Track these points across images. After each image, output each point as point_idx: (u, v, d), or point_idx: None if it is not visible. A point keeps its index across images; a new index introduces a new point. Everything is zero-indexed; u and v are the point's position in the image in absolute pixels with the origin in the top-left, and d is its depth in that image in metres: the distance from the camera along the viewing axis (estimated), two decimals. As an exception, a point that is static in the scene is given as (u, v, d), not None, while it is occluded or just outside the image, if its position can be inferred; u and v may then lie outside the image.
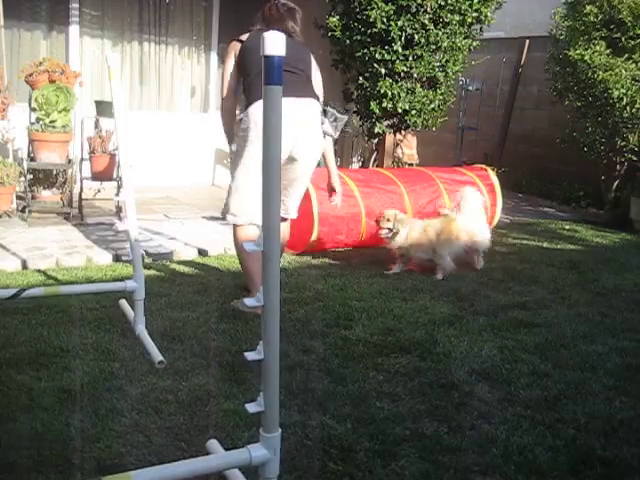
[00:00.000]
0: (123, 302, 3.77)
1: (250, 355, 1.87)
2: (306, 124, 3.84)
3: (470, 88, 9.55)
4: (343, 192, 5.32)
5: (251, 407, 1.91)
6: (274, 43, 1.67)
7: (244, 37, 3.94)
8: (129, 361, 3.12)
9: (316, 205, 5.13)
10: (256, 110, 3.69)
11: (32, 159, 5.96)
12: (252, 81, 3.78)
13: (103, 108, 6.17)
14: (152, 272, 4.63)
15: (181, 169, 8.09)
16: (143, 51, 8.07)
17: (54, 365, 3.01)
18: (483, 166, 6.57)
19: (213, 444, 2.37)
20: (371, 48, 6.88)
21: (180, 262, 4.94)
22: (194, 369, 3.08)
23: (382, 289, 4.45)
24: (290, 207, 4.10)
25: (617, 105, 7.16)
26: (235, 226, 3.97)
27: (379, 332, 3.67)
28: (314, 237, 5.20)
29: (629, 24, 7.12)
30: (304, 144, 3.83)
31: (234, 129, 3.98)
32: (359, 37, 6.94)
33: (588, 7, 7.31)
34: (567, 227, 7.26)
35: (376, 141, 7.80)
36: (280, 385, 2.98)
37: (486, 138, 9.94)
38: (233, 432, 2.53)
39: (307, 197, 5.20)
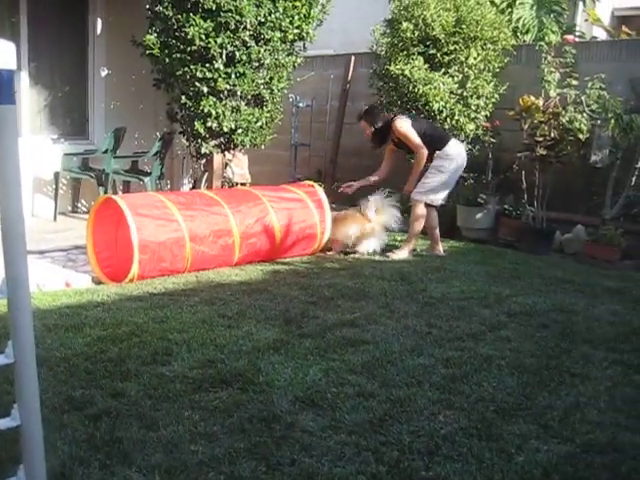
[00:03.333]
0: None
1: (3, 423, 1.56)
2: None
3: (301, 105, 9.59)
4: (163, 216, 5.07)
5: (10, 483, 1.60)
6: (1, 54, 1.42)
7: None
8: None
9: (135, 232, 4.82)
10: (449, 148, 6.32)
11: None
12: (430, 139, 6.29)
13: None
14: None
15: (-6, 200, 7.39)
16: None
17: None
18: (310, 182, 6.52)
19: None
20: (192, 66, 6.65)
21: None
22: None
23: (206, 317, 4.20)
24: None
25: (438, 117, 7.42)
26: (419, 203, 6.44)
27: (199, 365, 3.43)
28: (135, 266, 4.88)
29: (443, 41, 7.41)
30: None
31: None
32: (179, 55, 6.69)
33: (405, 24, 7.53)
34: (399, 238, 7.36)
35: (204, 162, 7.57)
36: (81, 439, 2.70)
37: (319, 154, 9.98)
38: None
39: (126, 224, 4.89)
